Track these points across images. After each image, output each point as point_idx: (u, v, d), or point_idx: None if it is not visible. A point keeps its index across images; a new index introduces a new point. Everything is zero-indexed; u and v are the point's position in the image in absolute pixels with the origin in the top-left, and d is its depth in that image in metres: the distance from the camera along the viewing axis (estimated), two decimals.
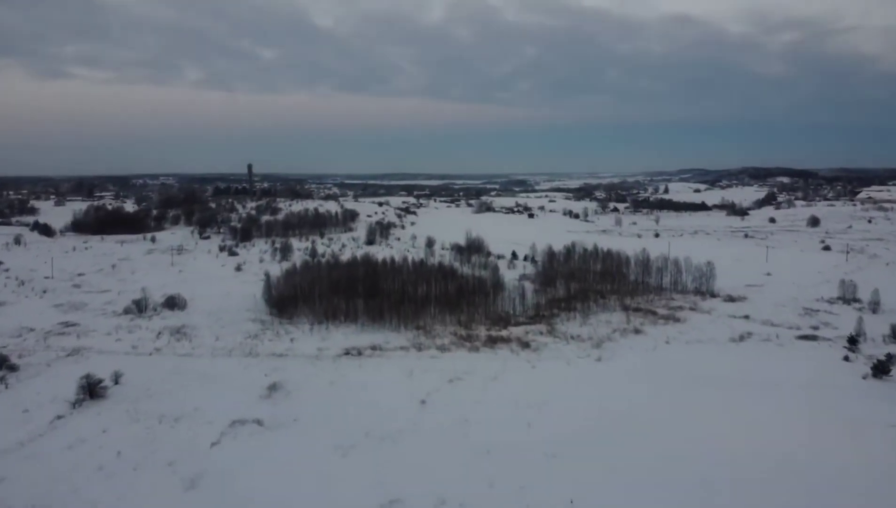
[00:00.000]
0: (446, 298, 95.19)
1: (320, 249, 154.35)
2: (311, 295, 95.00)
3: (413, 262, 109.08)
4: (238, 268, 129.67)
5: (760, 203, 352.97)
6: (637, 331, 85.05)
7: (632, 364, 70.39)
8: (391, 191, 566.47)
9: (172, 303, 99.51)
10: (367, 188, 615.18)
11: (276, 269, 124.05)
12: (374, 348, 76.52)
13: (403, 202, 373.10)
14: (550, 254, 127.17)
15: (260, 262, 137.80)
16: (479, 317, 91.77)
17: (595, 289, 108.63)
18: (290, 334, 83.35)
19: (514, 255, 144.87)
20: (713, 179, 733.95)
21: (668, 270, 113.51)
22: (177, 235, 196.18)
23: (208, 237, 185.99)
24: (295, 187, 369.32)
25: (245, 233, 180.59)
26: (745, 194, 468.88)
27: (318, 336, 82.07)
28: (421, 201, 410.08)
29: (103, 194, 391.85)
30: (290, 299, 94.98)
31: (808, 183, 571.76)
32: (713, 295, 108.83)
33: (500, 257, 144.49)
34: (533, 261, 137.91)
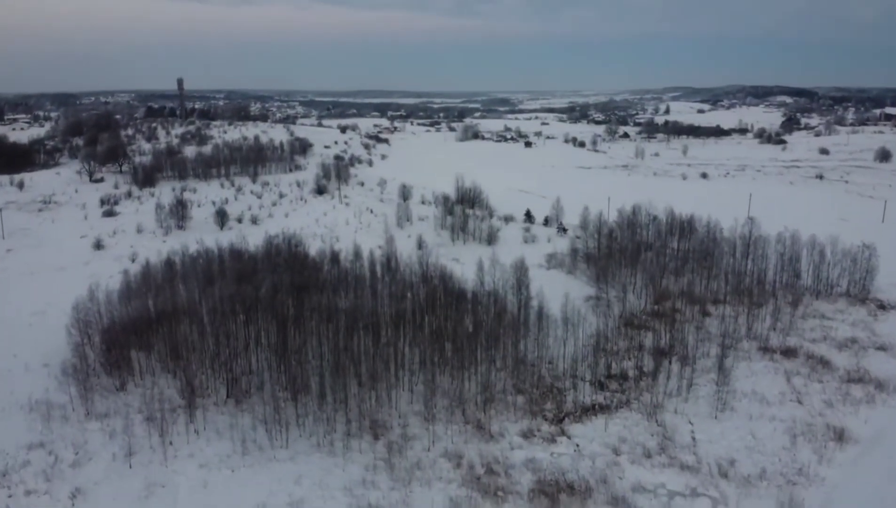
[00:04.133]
0: (435, 340, 49.11)
1: (238, 206, 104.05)
2: (171, 333, 48.09)
3: (372, 260, 60.97)
4: (98, 245, 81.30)
5: (787, 127, 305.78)
6: (839, 436, 40.38)
7: None
8: (363, 111, 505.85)
9: None
10: (335, 107, 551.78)
11: (156, 247, 77.00)
12: None
13: (375, 126, 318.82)
14: (601, 227, 79.01)
15: (138, 232, 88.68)
16: (502, 386, 46.42)
17: (689, 295, 63.28)
18: (95, 456, 37.03)
19: (529, 216, 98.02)
20: (709, 98, 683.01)
21: (802, 257, 67.79)
22: (62, 176, 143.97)
23: (101, 180, 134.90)
24: (244, 108, 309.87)
25: (148, 175, 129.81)
26: (756, 116, 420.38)
27: (155, 469, 35.72)
28: (396, 124, 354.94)
29: (17, 117, 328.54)
30: (124, 343, 48.15)
31: (819, 104, 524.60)
32: (882, 306, 64.38)
33: (508, 218, 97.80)
34: (561, 228, 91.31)
